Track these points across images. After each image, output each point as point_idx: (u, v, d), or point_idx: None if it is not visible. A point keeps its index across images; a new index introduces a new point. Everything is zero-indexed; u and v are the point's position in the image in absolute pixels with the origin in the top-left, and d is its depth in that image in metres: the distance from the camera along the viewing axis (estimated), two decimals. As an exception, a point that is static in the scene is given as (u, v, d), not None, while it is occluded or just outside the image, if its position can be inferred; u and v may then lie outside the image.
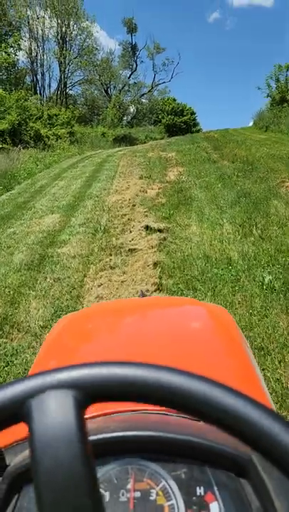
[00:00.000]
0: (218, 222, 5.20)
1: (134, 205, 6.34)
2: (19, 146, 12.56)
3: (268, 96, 17.99)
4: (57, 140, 14.61)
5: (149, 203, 6.41)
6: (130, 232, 5.07)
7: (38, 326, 3.08)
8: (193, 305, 1.38)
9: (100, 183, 8.84)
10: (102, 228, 5.36)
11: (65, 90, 29.55)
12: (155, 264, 3.95)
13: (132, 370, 0.31)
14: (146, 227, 5.05)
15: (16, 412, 0.30)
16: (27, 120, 13.61)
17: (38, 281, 3.90)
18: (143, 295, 1.86)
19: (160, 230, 4.99)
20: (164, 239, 4.72)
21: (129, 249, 4.44)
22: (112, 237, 4.97)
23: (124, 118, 33.08)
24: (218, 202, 6.18)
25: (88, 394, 0.31)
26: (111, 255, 4.38)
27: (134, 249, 4.45)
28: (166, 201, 6.52)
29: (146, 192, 7.22)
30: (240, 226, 4.93)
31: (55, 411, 0.29)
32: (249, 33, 63.87)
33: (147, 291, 3.31)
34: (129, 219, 5.59)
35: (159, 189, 7.47)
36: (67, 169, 11.45)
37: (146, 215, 5.67)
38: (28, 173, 10.90)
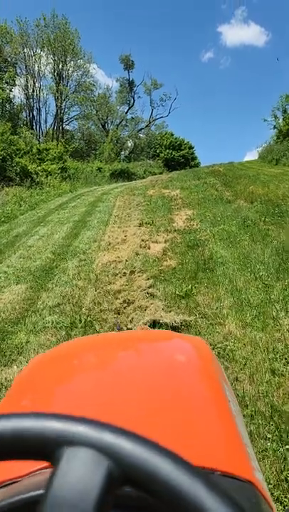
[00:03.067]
0: (267, 310, 3.17)
1: (132, 272, 4.33)
2: (1, 183, 10.72)
3: (274, 128, 16.46)
4: (47, 176, 12.80)
5: (154, 269, 4.41)
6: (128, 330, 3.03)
7: None
8: (171, 338, 1.26)
9: (89, 230, 6.89)
10: (83, 319, 3.32)
11: (62, 125, 28.32)
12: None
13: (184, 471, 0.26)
14: (154, 323, 3.02)
15: (46, 449, 0.28)
16: (13, 155, 11.86)
17: None
18: (119, 328, 1.58)
19: (176, 329, 2.95)
20: (186, 351, 2.68)
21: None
22: (96, 343, 2.93)
23: (122, 152, 31.78)
24: (253, 267, 4.19)
25: (124, 474, 0.26)
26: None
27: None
28: (177, 264, 4.52)
29: (148, 248, 5.25)
30: (310, 323, 2.90)
31: (84, 472, 0.26)
32: (243, 71, 64.19)
33: None
34: (125, 300, 3.56)
35: (165, 242, 5.51)
36: (55, 211, 9.55)
37: (152, 294, 3.65)
38: (7, 217, 8.98)
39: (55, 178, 13.00)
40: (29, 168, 12.16)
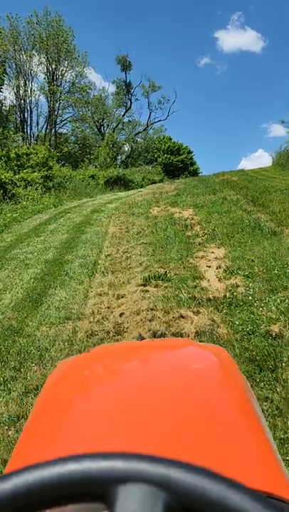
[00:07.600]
0: None
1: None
2: None
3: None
4: (26, 187, 10.02)
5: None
6: None
7: None
8: (194, 347, 1.25)
9: (63, 287, 4.10)
10: None
11: (55, 128, 25.46)
12: None
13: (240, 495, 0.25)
14: None
15: (97, 490, 0.26)
16: (-19, 161, 9.06)
17: None
18: (141, 338, 1.54)
19: None
20: None
21: None
22: None
23: (119, 157, 28.94)
24: None
25: (182, 504, 0.25)
26: None
27: None
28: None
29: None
30: None
31: (142, 509, 0.25)
32: (240, 76, 61.28)
33: None
34: None
35: (198, 338, 2.72)
36: (25, 238, 6.74)
37: None
38: None
39: (36, 189, 10.17)
40: (2, 177, 9.35)
